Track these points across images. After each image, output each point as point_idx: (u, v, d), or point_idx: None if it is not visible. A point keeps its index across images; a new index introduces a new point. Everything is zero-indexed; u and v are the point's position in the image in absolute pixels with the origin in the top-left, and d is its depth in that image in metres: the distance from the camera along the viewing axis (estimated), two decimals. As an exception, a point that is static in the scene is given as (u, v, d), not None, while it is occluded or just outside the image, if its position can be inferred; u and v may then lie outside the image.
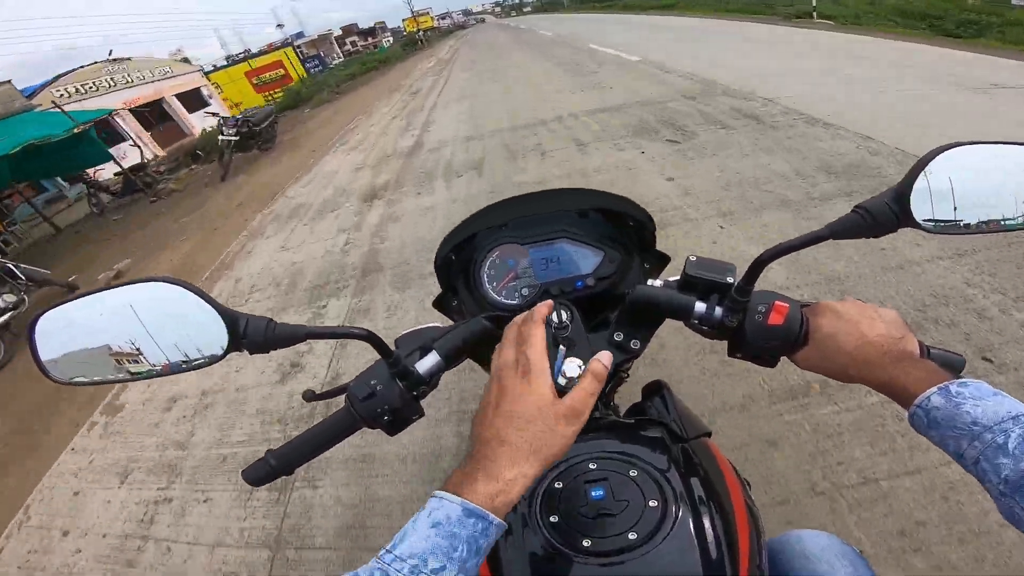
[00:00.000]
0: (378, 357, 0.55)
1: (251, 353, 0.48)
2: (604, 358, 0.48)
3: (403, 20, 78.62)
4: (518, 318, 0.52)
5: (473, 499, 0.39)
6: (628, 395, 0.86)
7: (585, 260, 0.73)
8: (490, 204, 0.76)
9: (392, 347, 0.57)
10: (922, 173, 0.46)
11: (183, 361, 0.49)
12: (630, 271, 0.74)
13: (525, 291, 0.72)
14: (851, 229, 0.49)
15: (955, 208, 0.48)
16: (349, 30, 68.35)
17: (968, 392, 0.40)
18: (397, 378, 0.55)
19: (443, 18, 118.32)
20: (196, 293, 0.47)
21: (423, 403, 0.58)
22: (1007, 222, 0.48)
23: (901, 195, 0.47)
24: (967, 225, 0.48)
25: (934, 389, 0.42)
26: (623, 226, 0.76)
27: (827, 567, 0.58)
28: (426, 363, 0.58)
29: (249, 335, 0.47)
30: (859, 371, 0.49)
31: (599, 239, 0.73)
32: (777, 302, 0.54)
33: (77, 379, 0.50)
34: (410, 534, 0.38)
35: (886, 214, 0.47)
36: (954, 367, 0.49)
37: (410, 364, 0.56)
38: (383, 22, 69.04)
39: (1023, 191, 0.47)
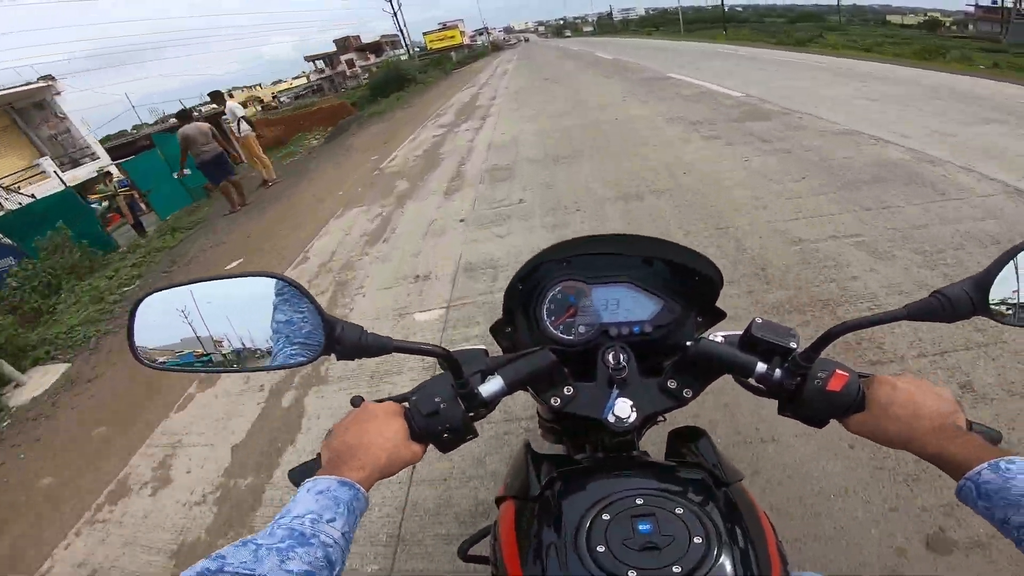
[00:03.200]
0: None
1: (339, 359, 0.52)
2: None
3: (424, 34, 62.34)
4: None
5: (343, 475, 0.50)
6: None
7: (644, 307, 0.74)
8: (561, 241, 0.73)
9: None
10: (1007, 265, 0.50)
11: (273, 358, 0.52)
12: (686, 323, 0.74)
13: (582, 328, 0.73)
14: (927, 312, 0.51)
15: None
16: (348, 44, 52.59)
17: (1016, 468, 0.43)
18: (461, 398, 0.58)
19: (480, 33, 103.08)
20: (302, 292, 0.49)
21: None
22: None
23: (982, 285, 0.50)
24: None
25: (985, 464, 0.45)
26: (687, 278, 0.75)
27: None
28: (490, 387, 0.60)
29: (343, 341, 0.51)
30: (910, 442, 0.52)
31: (661, 288, 0.74)
32: (838, 370, 0.56)
33: (164, 364, 0.53)
34: (298, 503, 0.47)
35: (963, 302, 0.50)
36: (993, 440, 0.52)
37: (475, 387, 0.59)
38: (395, 36, 52.70)
39: None
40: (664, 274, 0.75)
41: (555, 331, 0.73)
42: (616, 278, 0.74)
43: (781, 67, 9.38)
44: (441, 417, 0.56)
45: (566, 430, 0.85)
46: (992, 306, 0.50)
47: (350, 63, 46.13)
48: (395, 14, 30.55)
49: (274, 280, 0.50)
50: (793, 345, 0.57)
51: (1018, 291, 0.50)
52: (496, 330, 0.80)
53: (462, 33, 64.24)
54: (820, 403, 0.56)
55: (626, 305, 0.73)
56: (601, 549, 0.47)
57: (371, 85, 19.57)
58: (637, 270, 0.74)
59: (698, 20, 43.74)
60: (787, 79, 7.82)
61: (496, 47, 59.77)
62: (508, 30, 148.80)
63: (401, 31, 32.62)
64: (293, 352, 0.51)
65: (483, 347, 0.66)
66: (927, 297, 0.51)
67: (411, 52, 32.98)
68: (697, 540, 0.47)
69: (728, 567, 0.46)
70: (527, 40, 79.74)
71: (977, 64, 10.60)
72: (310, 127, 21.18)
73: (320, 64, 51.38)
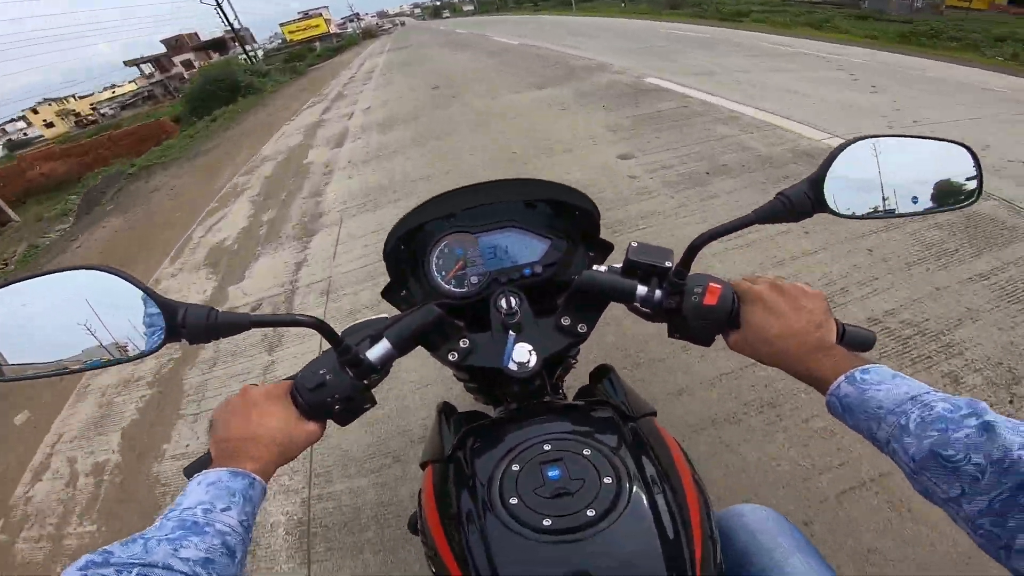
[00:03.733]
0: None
1: (191, 343, 0.48)
2: None
3: (281, 25, 54.07)
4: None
5: (236, 467, 0.48)
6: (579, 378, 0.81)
7: (532, 248, 0.76)
8: (439, 194, 0.75)
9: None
10: (834, 163, 0.51)
11: (118, 352, 0.48)
12: (575, 259, 0.77)
13: (474, 279, 0.74)
14: (773, 214, 0.53)
15: (864, 195, 0.53)
16: (182, 44, 43.34)
17: (870, 378, 0.44)
18: (347, 367, 0.56)
19: (350, 20, 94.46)
20: (132, 282, 0.46)
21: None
22: (913, 209, 0.54)
23: (816, 183, 0.52)
24: (876, 211, 0.54)
25: (842, 378, 0.46)
26: (569, 215, 0.78)
27: (770, 540, 0.59)
28: (377, 351, 0.58)
29: (189, 324, 0.48)
30: (780, 360, 0.53)
31: (546, 228, 0.77)
32: (711, 283, 0.57)
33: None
34: (189, 496, 0.44)
35: (803, 201, 0.52)
36: (866, 343, 0.54)
37: (360, 352, 0.57)
38: (245, 29, 44.58)
39: (928, 181, 0.53)
40: (546, 214, 0.77)
41: (447, 286, 0.74)
42: (500, 225, 0.75)
43: (802, 62, 6.29)
44: (328, 388, 0.55)
45: (480, 387, 0.85)
46: (828, 203, 0.52)
47: (187, 64, 38.07)
48: (219, 5, 23.74)
49: (104, 272, 0.46)
50: (668, 264, 0.58)
51: (847, 186, 0.53)
52: (388, 294, 0.79)
53: (327, 21, 57.03)
54: (699, 319, 0.57)
55: (514, 250, 0.75)
56: (514, 501, 0.47)
57: (188, 97, 14.42)
58: (521, 214, 0.77)
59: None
60: (876, 97, 4.48)
61: (369, 34, 53.69)
62: (382, 15, 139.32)
63: (232, 26, 26.14)
64: (137, 342, 0.48)
65: (385, 315, 0.65)
66: (772, 199, 0.53)
67: (247, 50, 26.70)
68: (607, 480, 0.47)
69: (643, 504, 0.46)
70: (403, 24, 73.52)
71: (988, 54, 8.69)
72: (108, 159, 15.61)
73: (148, 68, 42.11)
